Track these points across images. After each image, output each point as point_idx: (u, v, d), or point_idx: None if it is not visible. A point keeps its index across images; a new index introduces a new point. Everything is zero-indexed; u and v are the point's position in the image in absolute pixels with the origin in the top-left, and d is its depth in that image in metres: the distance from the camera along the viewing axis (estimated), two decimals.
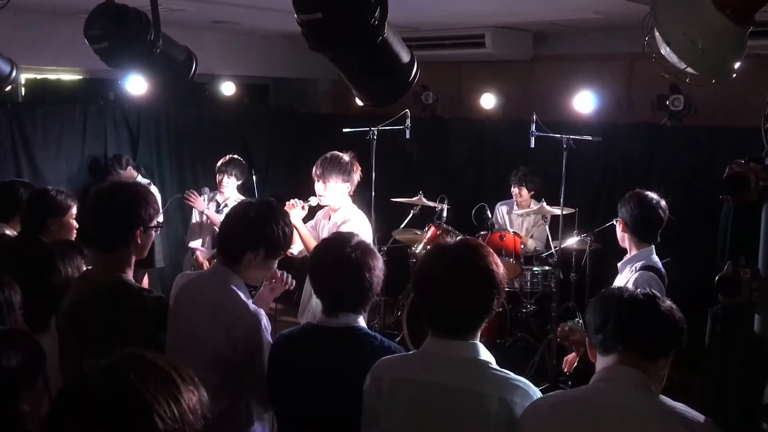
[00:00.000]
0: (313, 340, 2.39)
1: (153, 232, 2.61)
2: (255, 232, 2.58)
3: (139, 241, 2.54)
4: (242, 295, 2.55)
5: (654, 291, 2.02)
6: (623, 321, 1.93)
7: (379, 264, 2.38)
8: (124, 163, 6.65)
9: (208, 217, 5.96)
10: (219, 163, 6.04)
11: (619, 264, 3.79)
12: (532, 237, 6.42)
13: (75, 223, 3.50)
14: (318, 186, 4.18)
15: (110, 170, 6.63)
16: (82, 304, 2.50)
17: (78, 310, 2.51)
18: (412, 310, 5.73)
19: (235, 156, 6.12)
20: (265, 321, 2.52)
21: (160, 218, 2.66)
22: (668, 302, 2.00)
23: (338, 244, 2.41)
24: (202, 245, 6.06)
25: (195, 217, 6.14)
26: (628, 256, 3.72)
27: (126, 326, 2.41)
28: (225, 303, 2.51)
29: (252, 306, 2.53)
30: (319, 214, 4.40)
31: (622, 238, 3.74)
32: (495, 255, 2.13)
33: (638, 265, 3.60)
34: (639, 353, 1.90)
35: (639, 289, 2.03)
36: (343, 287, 2.33)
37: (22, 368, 1.98)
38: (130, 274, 2.56)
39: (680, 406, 1.85)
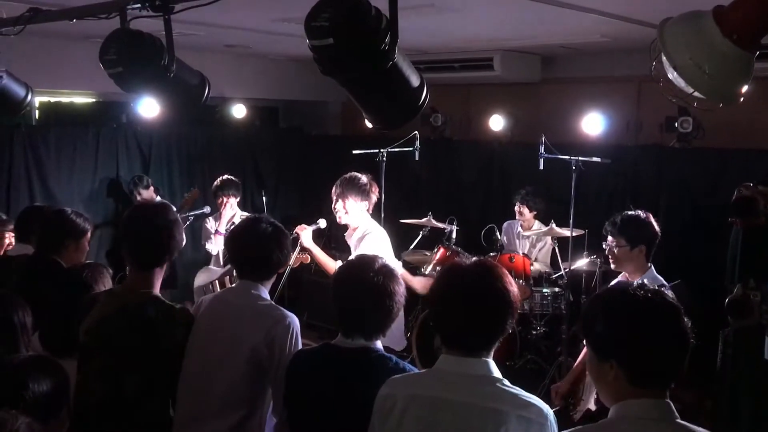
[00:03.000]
0: (329, 359, 2.41)
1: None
2: (276, 247, 2.78)
3: (169, 261, 2.75)
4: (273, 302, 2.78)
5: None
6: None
7: (400, 289, 2.41)
8: (146, 183, 6.77)
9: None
10: (214, 187, 6.09)
11: None
12: (536, 260, 6.41)
13: (88, 246, 3.53)
14: (337, 205, 4.31)
15: (132, 190, 6.71)
16: (115, 318, 2.61)
17: (109, 325, 2.61)
18: (421, 330, 5.72)
19: (226, 177, 6.16)
20: (298, 325, 2.68)
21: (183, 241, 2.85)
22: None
23: (361, 267, 2.43)
24: (215, 263, 6.10)
25: (212, 248, 6.09)
26: (638, 281, 3.63)
27: (161, 337, 2.59)
28: (263, 308, 2.71)
29: (288, 312, 2.70)
30: (347, 232, 4.50)
31: (629, 262, 3.58)
32: (509, 275, 2.15)
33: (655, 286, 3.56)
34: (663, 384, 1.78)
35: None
36: (364, 312, 2.37)
37: (50, 396, 1.98)
38: (158, 289, 2.73)
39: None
